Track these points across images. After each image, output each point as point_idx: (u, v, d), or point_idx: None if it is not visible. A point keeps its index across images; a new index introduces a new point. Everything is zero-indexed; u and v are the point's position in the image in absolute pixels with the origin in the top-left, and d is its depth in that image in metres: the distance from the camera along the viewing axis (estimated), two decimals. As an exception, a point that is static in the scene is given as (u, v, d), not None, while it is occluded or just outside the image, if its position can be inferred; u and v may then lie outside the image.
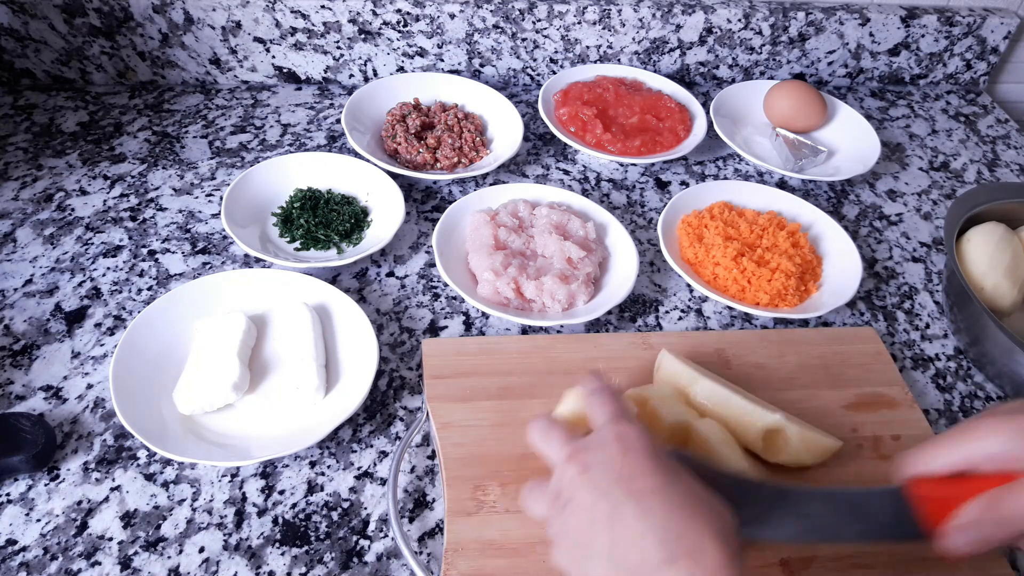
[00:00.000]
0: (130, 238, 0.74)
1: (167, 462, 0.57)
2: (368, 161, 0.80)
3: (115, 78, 0.92)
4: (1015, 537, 0.39)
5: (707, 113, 0.93)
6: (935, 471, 0.42)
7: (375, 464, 0.58)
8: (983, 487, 0.39)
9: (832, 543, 0.43)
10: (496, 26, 0.94)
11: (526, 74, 1.00)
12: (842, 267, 0.75)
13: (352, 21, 0.91)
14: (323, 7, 0.90)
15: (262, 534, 0.53)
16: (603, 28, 0.96)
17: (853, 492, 0.43)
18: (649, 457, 0.40)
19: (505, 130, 0.88)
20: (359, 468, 0.58)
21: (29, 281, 0.69)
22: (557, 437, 0.44)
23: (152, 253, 0.73)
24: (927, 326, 0.75)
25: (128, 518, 0.53)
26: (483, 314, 0.70)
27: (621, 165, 0.89)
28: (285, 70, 0.95)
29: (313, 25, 0.91)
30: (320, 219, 0.75)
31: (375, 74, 0.97)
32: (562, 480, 0.41)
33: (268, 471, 0.57)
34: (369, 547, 0.53)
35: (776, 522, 0.42)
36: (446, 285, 0.72)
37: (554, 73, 1.00)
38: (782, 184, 0.89)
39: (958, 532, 0.39)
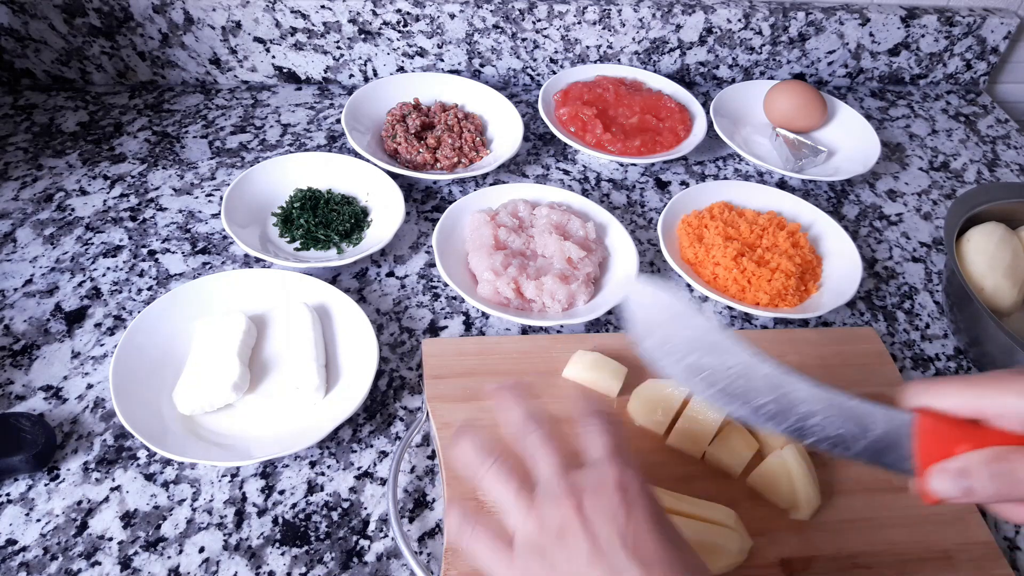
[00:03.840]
0: (130, 238, 0.74)
1: (167, 462, 0.57)
2: (368, 161, 0.80)
3: (115, 78, 0.92)
4: (999, 499, 0.37)
5: (707, 113, 0.93)
6: (946, 408, 0.39)
7: (375, 464, 0.58)
8: (990, 441, 0.37)
9: (821, 450, 0.42)
10: (496, 26, 0.94)
11: (526, 74, 1.00)
12: (842, 267, 0.75)
13: (352, 21, 0.91)
14: (323, 7, 0.90)
15: (262, 534, 0.53)
16: (603, 28, 0.96)
17: (859, 404, 0.41)
18: (654, 519, 0.37)
19: (505, 130, 0.88)
20: (359, 468, 0.58)
21: (29, 281, 0.69)
22: (550, 453, 0.40)
23: (152, 253, 0.73)
24: (927, 326, 0.75)
25: (128, 518, 0.53)
26: (483, 314, 0.70)
27: (621, 165, 0.89)
28: (285, 70, 0.95)
29: (313, 25, 0.91)
30: (320, 219, 0.75)
31: (375, 74, 0.97)
32: (553, 508, 0.38)
33: (268, 471, 0.57)
34: (369, 547, 0.53)
35: (780, 417, 0.41)
36: (446, 285, 0.72)
37: (554, 73, 1.00)
38: (782, 184, 0.89)
39: (946, 475, 0.38)
